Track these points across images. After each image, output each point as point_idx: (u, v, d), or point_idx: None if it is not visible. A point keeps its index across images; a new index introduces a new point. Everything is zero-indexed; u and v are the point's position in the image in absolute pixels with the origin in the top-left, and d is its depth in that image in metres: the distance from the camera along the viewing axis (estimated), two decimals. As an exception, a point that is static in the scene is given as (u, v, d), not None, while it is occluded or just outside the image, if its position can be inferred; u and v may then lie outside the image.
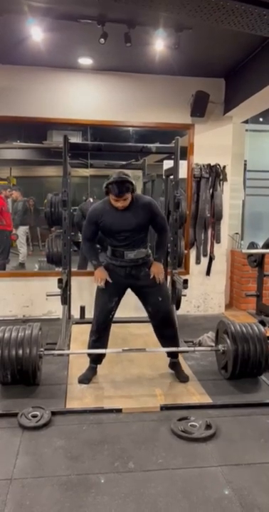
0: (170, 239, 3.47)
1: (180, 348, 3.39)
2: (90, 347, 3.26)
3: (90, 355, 3.29)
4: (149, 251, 3.27)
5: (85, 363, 3.36)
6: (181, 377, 3.30)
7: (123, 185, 2.92)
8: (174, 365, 3.37)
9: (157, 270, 3.17)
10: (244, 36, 3.63)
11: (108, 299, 3.19)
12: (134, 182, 2.99)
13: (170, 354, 3.37)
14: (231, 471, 2.20)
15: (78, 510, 1.90)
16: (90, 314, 3.75)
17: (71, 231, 4.74)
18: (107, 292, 3.18)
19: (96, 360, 3.30)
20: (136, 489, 2.04)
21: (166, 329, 3.29)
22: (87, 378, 3.22)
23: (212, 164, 5.23)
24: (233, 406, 2.89)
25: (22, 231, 7.64)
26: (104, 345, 3.26)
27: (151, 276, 3.15)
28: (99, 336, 3.24)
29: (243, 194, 5.97)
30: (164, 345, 3.33)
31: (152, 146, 4.56)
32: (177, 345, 3.33)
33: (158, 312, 3.23)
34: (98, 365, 3.33)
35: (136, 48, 3.99)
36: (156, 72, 4.81)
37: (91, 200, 6.41)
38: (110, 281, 3.13)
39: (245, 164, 5.87)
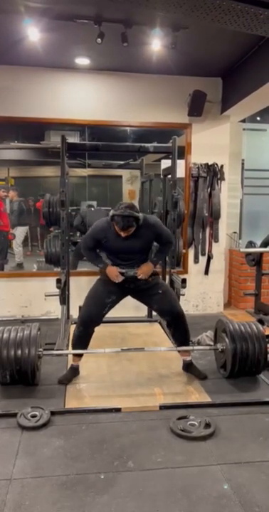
0: (172, 249, 3.52)
1: (179, 347, 3.39)
2: (76, 338, 3.21)
3: (74, 345, 3.24)
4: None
5: (84, 363, 3.36)
6: (200, 375, 3.29)
7: (127, 222, 2.93)
8: (189, 367, 3.37)
9: (145, 269, 3.15)
10: (241, 35, 3.64)
11: (106, 294, 3.18)
12: (140, 217, 2.99)
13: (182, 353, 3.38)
14: (230, 469, 2.21)
15: (78, 510, 1.90)
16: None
17: (69, 231, 4.73)
18: (107, 288, 3.19)
19: (82, 349, 3.24)
20: (135, 488, 2.04)
21: (177, 326, 3.29)
22: (66, 379, 3.21)
23: (210, 163, 5.24)
24: (232, 405, 2.89)
25: (20, 231, 7.62)
26: (89, 340, 3.21)
27: (138, 274, 3.13)
28: (88, 328, 3.18)
29: (240, 193, 5.98)
30: (175, 341, 3.36)
31: (150, 145, 4.56)
32: (188, 343, 3.33)
33: (168, 312, 3.26)
34: (79, 366, 3.30)
35: (133, 48, 4.00)
36: (154, 71, 4.82)
37: (93, 208, 6.45)
38: (122, 278, 3.13)
39: (242, 163, 5.87)
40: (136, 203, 5.94)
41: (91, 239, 3.19)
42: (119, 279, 3.11)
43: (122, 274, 3.13)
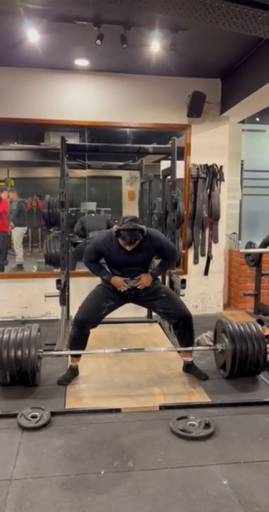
0: (169, 266, 3.59)
1: (179, 348, 3.40)
2: (71, 339, 3.22)
3: (71, 346, 3.25)
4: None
5: (84, 363, 3.37)
6: (201, 376, 3.30)
7: (135, 234, 2.96)
8: (190, 367, 3.37)
9: (144, 280, 3.18)
10: (240, 37, 3.63)
11: (105, 299, 3.20)
12: (144, 229, 3.03)
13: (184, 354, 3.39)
14: (230, 469, 2.21)
15: (78, 510, 1.91)
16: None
17: (69, 232, 4.74)
18: (107, 293, 3.20)
19: (79, 349, 3.24)
20: (135, 488, 2.05)
21: (184, 327, 3.29)
22: (66, 380, 3.21)
23: (209, 164, 5.25)
24: (231, 405, 2.90)
25: (18, 232, 7.62)
26: (85, 341, 3.21)
27: (136, 284, 3.17)
28: (83, 328, 3.18)
29: (240, 194, 5.99)
30: (182, 343, 3.35)
31: (149, 146, 4.57)
32: (191, 345, 3.33)
33: (175, 315, 3.27)
34: (79, 367, 3.31)
35: (133, 49, 4.00)
36: (153, 73, 4.83)
37: (92, 215, 6.47)
38: (128, 286, 3.17)
39: (242, 164, 5.88)
40: (135, 204, 5.97)
41: (93, 252, 3.20)
42: (125, 287, 3.15)
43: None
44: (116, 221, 7.32)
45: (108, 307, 3.22)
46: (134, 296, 3.29)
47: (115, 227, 3.00)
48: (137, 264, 3.18)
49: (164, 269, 3.46)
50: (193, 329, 3.32)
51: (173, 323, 3.35)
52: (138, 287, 3.18)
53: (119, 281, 3.15)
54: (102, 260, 3.30)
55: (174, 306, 3.25)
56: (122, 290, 3.17)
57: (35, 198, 8.37)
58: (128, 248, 3.03)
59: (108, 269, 3.26)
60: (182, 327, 3.28)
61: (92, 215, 6.54)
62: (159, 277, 3.53)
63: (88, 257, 3.23)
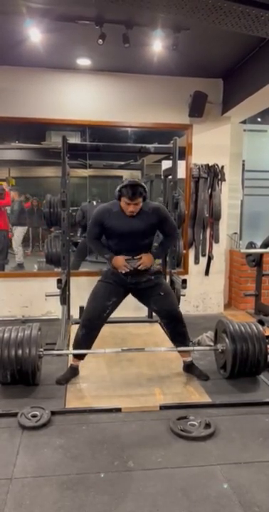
0: (175, 245, 3.51)
1: (179, 348, 3.40)
2: (79, 340, 3.21)
3: (75, 346, 3.24)
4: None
5: (84, 363, 3.37)
6: (202, 376, 3.30)
7: (136, 189, 2.98)
8: (190, 367, 3.37)
9: (146, 259, 3.12)
10: (242, 37, 3.63)
11: (107, 296, 3.18)
12: (146, 188, 3.06)
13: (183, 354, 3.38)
14: (230, 469, 2.21)
15: (78, 510, 1.91)
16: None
17: (70, 231, 4.74)
18: (108, 289, 3.19)
19: (80, 354, 3.25)
20: (135, 488, 2.05)
21: (175, 328, 3.29)
22: (65, 379, 3.21)
23: (210, 164, 5.24)
24: (232, 405, 2.90)
25: (19, 231, 7.63)
26: (92, 341, 3.21)
27: (139, 262, 3.11)
28: (91, 330, 3.18)
29: (241, 194, 5.98)
30: (174, 342, 3.35)
31: (150, 146, 4.57)
32: (187, 344, 3.33)
33: (167, 313, 3.27)
34: (79, 366, 3.31)
35: (135, 49, 4.00)
36: (155, 72, 4.82)
37: (95, 203, 6.45)
38: (130, 268, 3.10)
39: (243, 164, 5.88)
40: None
41: (95, 224, 3.17)
42: (126, 268, 3.08)
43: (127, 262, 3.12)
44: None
45: (111, 304, 3.19)
46: (134, 286, 3.21)
47: (117, 187, 3.03)
48: (137, 233, 3.09)
49: (164, 248, 3.43)
50: (186, 330, 3.29)
51: (164, 323, 3.37)
52: (140, 268, 3.10)
53: (120, 261, 3.08)
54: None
55: (167, 305, 3.23)
56: (123, 272, 3.09)
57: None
58: (131, 208, 3.00)
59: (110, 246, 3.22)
60: (172, 327, 3.28)
61: (94, 203, 6.50)
62: (162, 274, 3.50)
63: (91, 232, 3.20)
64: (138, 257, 3.13)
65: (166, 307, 3.25)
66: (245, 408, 2.86)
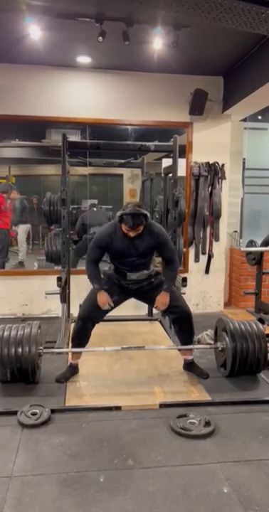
0: (178, 270, 3.38)
1: (179, 346, 3.40)
2: (74, 333, 3.23)
3: (73, 341, 3.25)
4: (152, 268, 3.31)
5: (84, 361, 3.37)
6: (202, 374, 3.30)
7: (138, 218, 2.95)
8: (191, 366, 3.37)
9: (163, 300, 3.14)
10: (242, 34, 3.63)
11: (109, 294, 3.18)
12: (148, 214, 3.03)
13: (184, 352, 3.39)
14: (230, 467, 2.21)
15: (78, 507, 1.91)
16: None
17: (70, 230, 4.74)
18: (110, 288, 3.20)
19: (79, 345, 3.23)
20: (135, 486, 2.05)
21: (181, 327, 3.30)
22: (64, 377, 3.21)
23: (211, 162, 5.23)
24: (231, 403, 2.90)
25: (22, 230, 7.63)
26: (87, 336, 3.21)
27: (156, 306, 3.17)
28: (87, 323, 3.18)
29: (241, 192, 5.98)
30: (179, 339, 3.36)
31: (151, 144, 4.56)
32: (191, 342, 3.33)
33: (173, 311, 3.27)
34: (79, 364, 3.31)
35: (135, 47, 3.99)
36: (155, 70, 4.81)
37: (94, 209, 6.45)
38: (112, 305, 3.14)
39: (243, 162, 5.87)
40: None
41: (96, 247, 3.15)
42: (106, 306, 3.10)
43: (124, 276, 3.18)
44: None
45: (112, 302, 3.20)
46: (136, 291, 3.28)
47: (119, 213, 3.00)
48: (139, 254, 3.14)
49: (170, 276, 3.25)
50: (193, 326, 3.31)
51: (172, 319, 3.35)
52: (159, 309, 3.18)
53: (103, 299, 3.10)
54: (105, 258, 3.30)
55: (174, 302, 3.23)
56: (104, 308, 3.11)
57: (35, 196, 8.36)
58: (131, 234, 3.00)
59: (111, 265, 3.25)
60: (181, 323, 3.28)
61: (94, 209, 6.51)
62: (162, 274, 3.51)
63: (91, 254, 3.18)
64: (155, 304, 3.16)
65: (172, 304, 3.23)
66: (245, 406, 2.87)
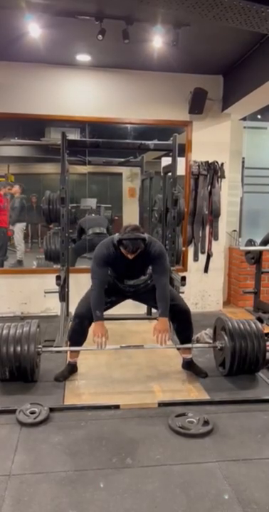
0: (169, 291, 3.20)
1: (178, 345, 3.40)
2: (71, 331, 3.23)
3: (70, 338, 3.25)
4: (148, 272, 3.25)
5: (83, 360, 3.37)
6: (201, 373, 3.30)
7: (137, 243, 2.91)
8: (189, 365, 3.37)
9: (161, 328, 2.97)
10: (242, 33, 3.62)
11: (106, 294, 3.17)
12: (146, 237, 2.97)
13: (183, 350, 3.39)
14: (228, 466, 2.21)
15: (76, 506, 1.91)
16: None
17: (69, 228, 4.74)
18: (108, 288, 3.18)
19: (76, 343, 3.21)
20: (134, 485, 2.05)
21: (180, 324, 3.30)
22: (63, 376, 3.21)
23: (210, 161, 5.23)
24: (230, 402, 2.90)
25: (18, 228, 7.61)
26: (84, 334, 3.19)
27: (155, 336, 2.97)
28: (82, 321, 3.17)
29: (240, 191, 5.98)
30: (179, 337, 3.36)
31: (150, 143, 4.56)
32: (189, 341, 3.34)
33: (171, 309, 3.21)
34: (78, 363, 3.32)
35: (135, 45, 3.98)
36: (155, 68, 4.80)
37: (93, 215, 6.45)
38: (106, 344, 3.01)
39: (243, 161, 5.87)
40: (136, 201, 5.96)
41: (101, 267, 3.03)
42: (99, 344, 2.97)
43: (122, 282, 3.21)
44: (116, 217, 7.29)
45: (109, 302, 3.22)
46: (133, 293, 3.30)
47: (117, 237, 2.95)
48: (138, 269, 3.18)
49: (164, 299, 3.08)
50: (192, 325, 3.31)
51: (171, 317, 3.34)
52: (158, 338, 2.98)
53: (100, 331, 2.97)
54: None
55: (172, 300, 3.22)
56: (95, 340, 2.96)
57: (34, 194, 8.34)
58: (130, 257, 2.98)
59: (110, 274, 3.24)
60: (180, 320, 3.28)
61: (92, 215, 6.53)
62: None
63: (98, 272, 3.04)
64: (154, 334, 2.98)
65: (170, 302, 3.23)
66: (244, 405, 2.87)
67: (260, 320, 4.35)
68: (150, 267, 3.20)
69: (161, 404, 2.83)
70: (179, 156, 4.47)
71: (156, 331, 2.98)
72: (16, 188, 7.54)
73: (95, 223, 6.02)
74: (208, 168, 5.23)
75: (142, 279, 3.25)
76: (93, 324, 3.06)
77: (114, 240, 2.98)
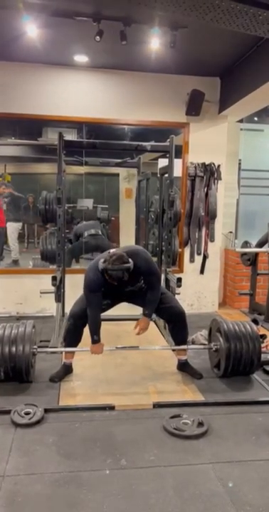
0: (159, 297, 3.24)
1: (173, 346, 3.40)
2: (66, 331, 3.26)
3: (65, 339, 3.28)
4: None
5: (78, 361, 3.36)
6: (196, 374, 3.31)
7: (121, 274, 2.86)
8: (184, 366, 3.38)
9: (144, 326, 3.17)
10: (239, 35, 3.63)
11: (103, 295, 3.17)
12: (131, 265, 2.89)
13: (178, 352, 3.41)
14: (223, 468, 2.22)
15: (70, 507, 1.91)
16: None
17: (65, 229, 4.74)
18: (103, 290, 3.18)
19: (72, 343, 3.23)
20: (128, 486, 2.05)
21: (175, 326, 3.32)
22: (58, 377, 3.21)
23: (207, 163, 5.24)
24: (225, 404, 2.91)
25: (13, 228, 7.59)
26: (79, 335, 3.21)
27: (136, 332, 3.18)
28: (77, 321, 3.18)
29: (237, 193, 6.00)
30: (174, 339, 3.38)
31: (147, 144, 4.57)
32: (185, 342, 3.35)
33: (166, 312, 3.29)
34: (73, 364, 3.32)
35: (132, 46, 3.99)
36: (152, 70, 4.81)
37: (84, 222, 6.45)
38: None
39: (239, 163, 5.89)
40: (132, 202, 5.96)
41: (94, 294, 3.05)
42: (98, 354, 3.14)
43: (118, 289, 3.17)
44: (113, 218, 7.27)
45: (105, 304, 3.21)
46: (128, 295, 3.28)
47: (101, 264, 2.89)
48: (130, 284, 3.12)
49: (152, 302, 3.19)
50: (187, 326, 3.32)
51: (166, 319, 3.36)
52: (139, 333, 3.17)
53: (97, 350, 3.12)
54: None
55: (167, 302, 3.25)
56: (94, 354, 3.14)
57: (31, 194, 8.31)
58: (116, 283, 2.94)
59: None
60: (175, 322, 3.29)
61: (84, 222, 6.55)
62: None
63: (91, 301, 3.07)
64: (136, 326, 3.19)
65: (164, 305, 3.25)
66: (239, 407, 2.88)
67: (256, 321, 4.36)
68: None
69: (156, 406, 2.83)
70: (176, 157, 4.48)
71: (138, 326, 3.18)
72: (3, 188, 7.48)
73: (89, 227, 6.11)
74: (204, 169, 5.24)
75: (138, 286, 3.23)
76: (91, 345, 3.12)
77: (99, 267, 2.92)
